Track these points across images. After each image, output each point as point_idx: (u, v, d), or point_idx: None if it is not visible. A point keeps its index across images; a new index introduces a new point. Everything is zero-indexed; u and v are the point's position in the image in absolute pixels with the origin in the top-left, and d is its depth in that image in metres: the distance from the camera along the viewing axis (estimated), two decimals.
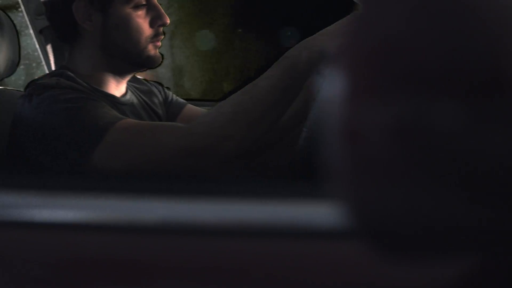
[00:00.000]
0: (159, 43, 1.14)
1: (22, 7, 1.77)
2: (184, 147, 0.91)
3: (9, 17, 1.26)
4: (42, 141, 0.96)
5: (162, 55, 1.15)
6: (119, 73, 1.16)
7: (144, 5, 1.10)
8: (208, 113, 0.95)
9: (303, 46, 0.92)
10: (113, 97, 1.14)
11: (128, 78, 1.20)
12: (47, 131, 0.95)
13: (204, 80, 2.84)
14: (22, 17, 1.76)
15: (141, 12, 1.10)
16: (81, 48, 1.13)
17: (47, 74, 1.14)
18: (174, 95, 1.37)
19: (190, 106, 1.35)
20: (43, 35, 1.76)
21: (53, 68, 1.75)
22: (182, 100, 1.37)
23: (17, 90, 1.39)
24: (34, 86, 1.01)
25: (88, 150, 0.93)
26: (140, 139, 0.94)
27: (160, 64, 1.15)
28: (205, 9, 2.88)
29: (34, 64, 2.48)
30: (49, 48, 1.76)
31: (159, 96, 1.33)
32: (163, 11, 1.12)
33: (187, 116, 1.32)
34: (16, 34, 1.27)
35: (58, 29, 1.14)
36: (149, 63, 1.13)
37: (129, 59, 1.12)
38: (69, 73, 1.09)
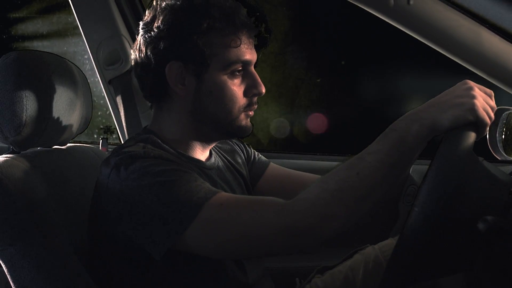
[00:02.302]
0: (252, 113, 1.04)
1: (91, 57, 1.73)
2: (285, 226, 0.82)
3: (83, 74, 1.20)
4: (132, 216, 0.89)
5: (252, 124, 1.06)
6: (207, 140, 1.07)
7: (240, 71, 1.01)
8: (310, 188, 0.85)
9: (412, 118, 0.83)
10: (199, 162, 1.06)
11: (214, 144, 1.11)
12: (137, 206, 0.88)
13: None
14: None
15: (237, 80, 1.01)
16: (169, 111, 1.04)
17: (132, 138, 1.05)
18: (257, 153, 1.28)
19: (273, 166, 1.26)
20: (112, 86, 1.71)
21: (122, 119, 1.68)
22: (264, 158, 1.28)
23: (86, 146, 1.33)
24: (122, 156, 0.93)
25: (182, 227, 0.85)
26: (237, 216, 0.85)
27: (250, 135, 1.06)
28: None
29: (99, 113, 2.45)
30: (118, 99, 1.70)
31: (242, 155, 1.24)
32: (259, 79, 1.03)
33: (271, 176, 1.23)
34: (89, 91, 1.21)
35: (147, 89, 1.05)
36: (239, 133, 1.04)
37: (220, 128, 1.03)
38: (155, 138, 1.02)
